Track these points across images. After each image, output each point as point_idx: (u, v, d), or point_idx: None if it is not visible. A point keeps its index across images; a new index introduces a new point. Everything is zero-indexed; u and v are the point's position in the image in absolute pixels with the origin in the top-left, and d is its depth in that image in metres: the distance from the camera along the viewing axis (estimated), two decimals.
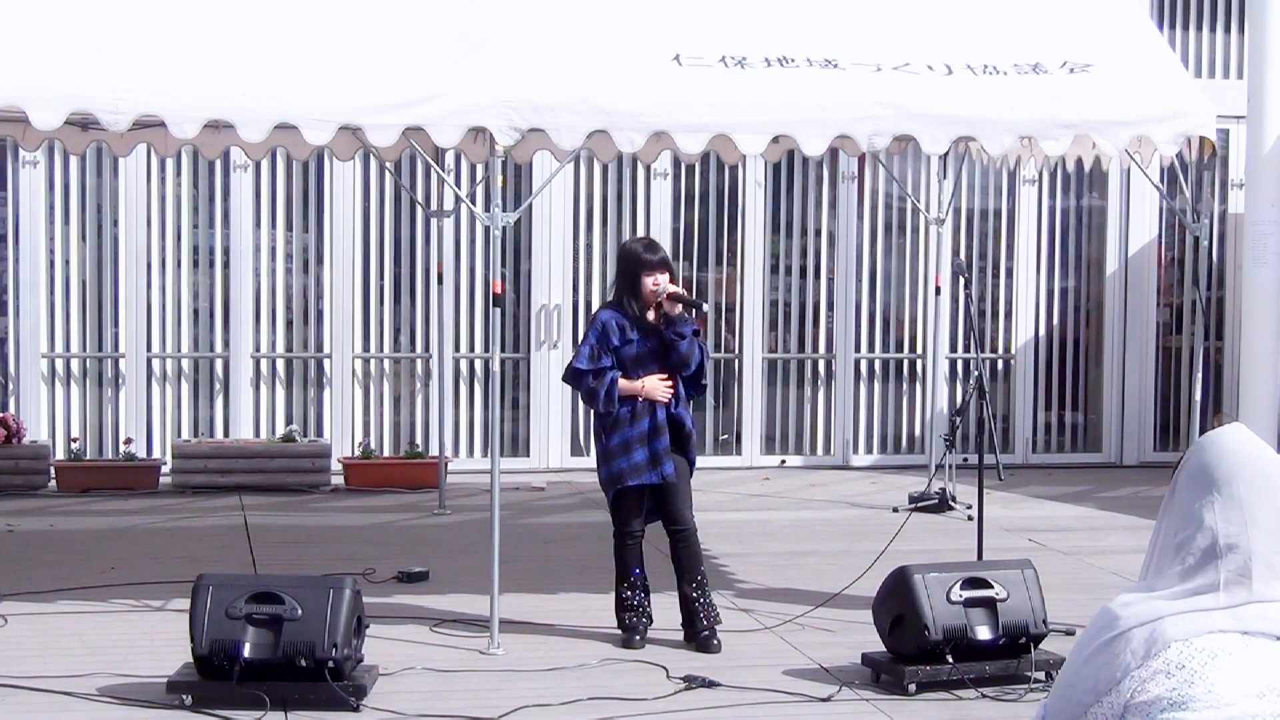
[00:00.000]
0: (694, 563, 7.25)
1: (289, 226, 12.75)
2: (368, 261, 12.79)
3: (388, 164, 11.19)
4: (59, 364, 12.42)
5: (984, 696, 6.53)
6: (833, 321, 13.45)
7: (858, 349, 13.49)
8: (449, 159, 12.21)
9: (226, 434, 12.47)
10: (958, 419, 8.63)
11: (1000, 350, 13.71)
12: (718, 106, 7.30)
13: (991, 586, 6.74)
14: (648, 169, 12.89)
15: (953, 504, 11.02)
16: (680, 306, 7.21)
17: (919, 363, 13.53)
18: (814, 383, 13.49)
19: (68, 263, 12.42)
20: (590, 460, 12.94)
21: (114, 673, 6.68)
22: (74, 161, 12.27)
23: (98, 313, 12.48)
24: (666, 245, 12.92)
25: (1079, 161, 8.85)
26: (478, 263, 12.82)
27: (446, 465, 11.37)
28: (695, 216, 13.24)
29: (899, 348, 13.59)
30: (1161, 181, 11.44)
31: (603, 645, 7.25)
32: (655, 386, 7.19)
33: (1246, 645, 2.69)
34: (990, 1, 8.16)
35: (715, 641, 7.19)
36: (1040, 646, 6.77)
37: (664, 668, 6.87)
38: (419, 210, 12.54)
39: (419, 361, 12.89)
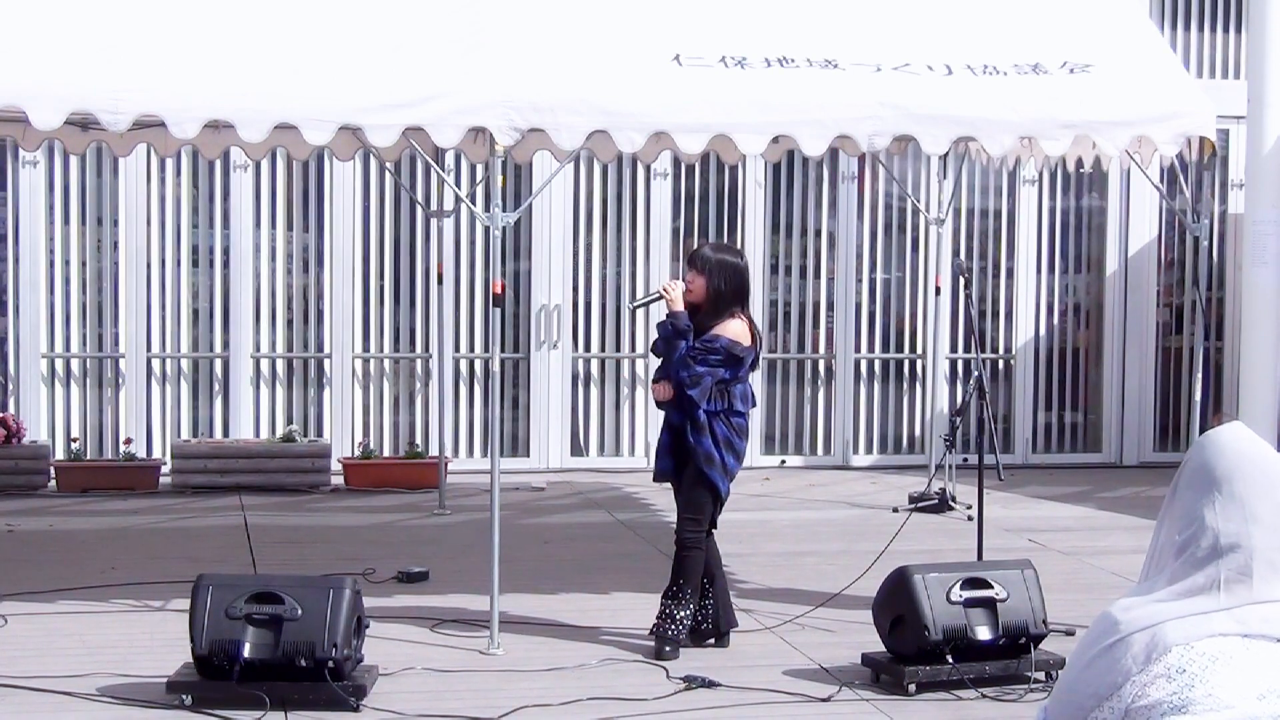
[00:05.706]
0: (676, 572, 7.18)
1: (289, 226, 12.75)
2: (368, 261, 12.78)
3: (388, 164, 11.19)
4: (59, 364, 12.42)
5: (984, 697, 6.53)
6: (833, 322, 13.44)
7: (858, 349, 13.48)
8: (449, 159, 12.20)
9: (226, 434, 12.47)
10: (958, 419, 8.60)
11: (1000, 350, 13.71)
12: (718, 106, 7.30)
13: (991, 586, 6.74)
14: (648, 169, 12.89)
15: (953, 504, 11.02)
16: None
17: (919, 363, 13.53)
18: (814, 383, 13.49)
19: (68, 263, 12.42)
20: (589, 460, 13.05)
21: (114, 673, 6.68)
22: (74, 161, 12.26)
23: (98, 313, 12.48)
24: (666, 245, 13.04)
25: (1079, 162, 8.85)
26: (478, 263, 12.81)
27: (446, 465, 11.37)
28: (695, 216, 13.23)
29: (899, 348, 13.59)
30: (1161, 182, 11.43)
31: (603, 645, 7.25)
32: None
33: (1247, 648, 2.69)
34: (990, 1, 8.16)
35: (654, 644, 7.09)
36: (1040, 647, 6.77)
37: (664, 668, 6.87)
38: (419, 210, 12.53)
39: (419, 361, 12.89)
